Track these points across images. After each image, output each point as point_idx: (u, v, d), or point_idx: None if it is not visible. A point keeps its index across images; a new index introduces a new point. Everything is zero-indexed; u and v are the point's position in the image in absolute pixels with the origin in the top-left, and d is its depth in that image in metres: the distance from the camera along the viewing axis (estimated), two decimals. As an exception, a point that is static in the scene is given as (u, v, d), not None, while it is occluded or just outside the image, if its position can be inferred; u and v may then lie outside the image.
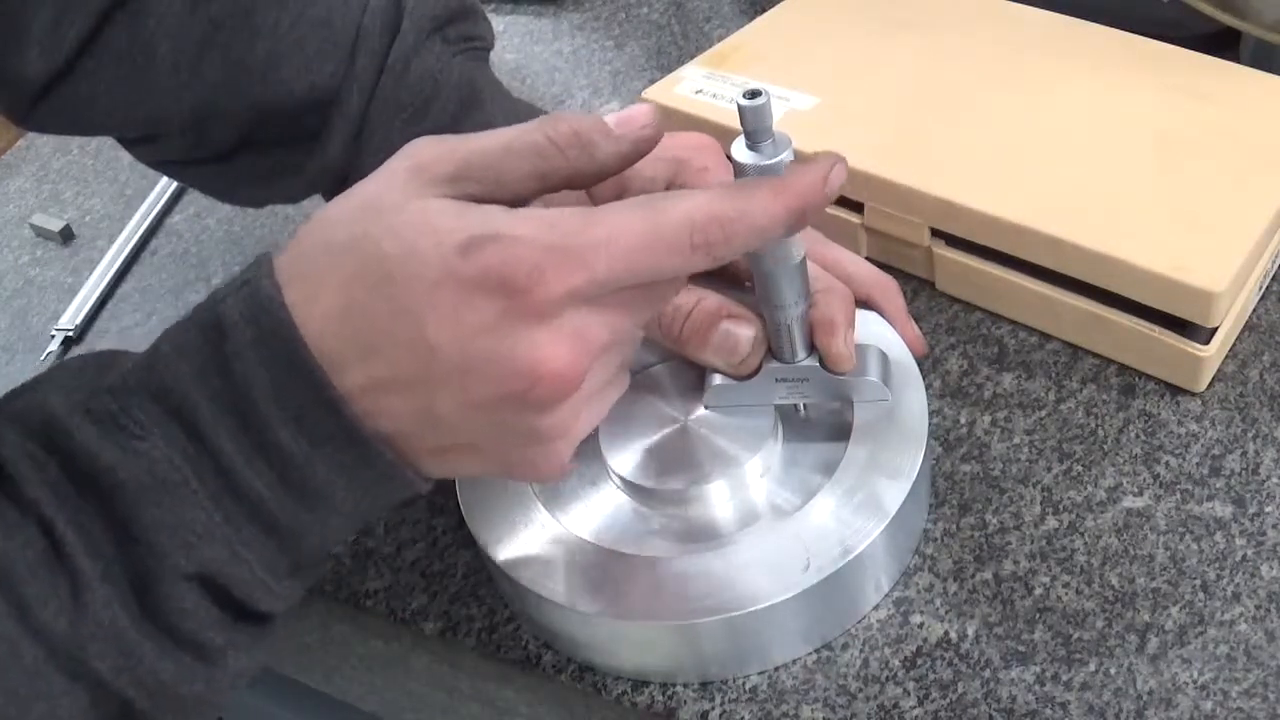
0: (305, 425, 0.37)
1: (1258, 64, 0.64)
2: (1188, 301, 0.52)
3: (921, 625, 0.49)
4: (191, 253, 0.78)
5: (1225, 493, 0.51)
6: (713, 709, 0.48)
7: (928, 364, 0.58)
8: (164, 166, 0.61)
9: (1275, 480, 0.51)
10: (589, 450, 0.50)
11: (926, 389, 0.52)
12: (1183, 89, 0.61)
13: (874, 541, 0.47)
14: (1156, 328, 0.54)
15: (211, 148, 0.56)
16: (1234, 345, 0.56)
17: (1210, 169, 0.57)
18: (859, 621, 0.49)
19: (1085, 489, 0.52)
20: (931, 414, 0.53)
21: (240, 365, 0.36)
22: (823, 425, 0.52)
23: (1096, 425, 0.55)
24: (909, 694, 0.47)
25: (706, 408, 0.51)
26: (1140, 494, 0.52)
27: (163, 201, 0.81)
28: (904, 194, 0.59)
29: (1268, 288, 0.59)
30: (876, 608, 0.50)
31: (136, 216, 0.81)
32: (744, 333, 0.48)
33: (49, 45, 0.52)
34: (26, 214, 0.84)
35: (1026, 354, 0.58)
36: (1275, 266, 0.58)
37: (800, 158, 0.41)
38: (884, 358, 0.50)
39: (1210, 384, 0.55)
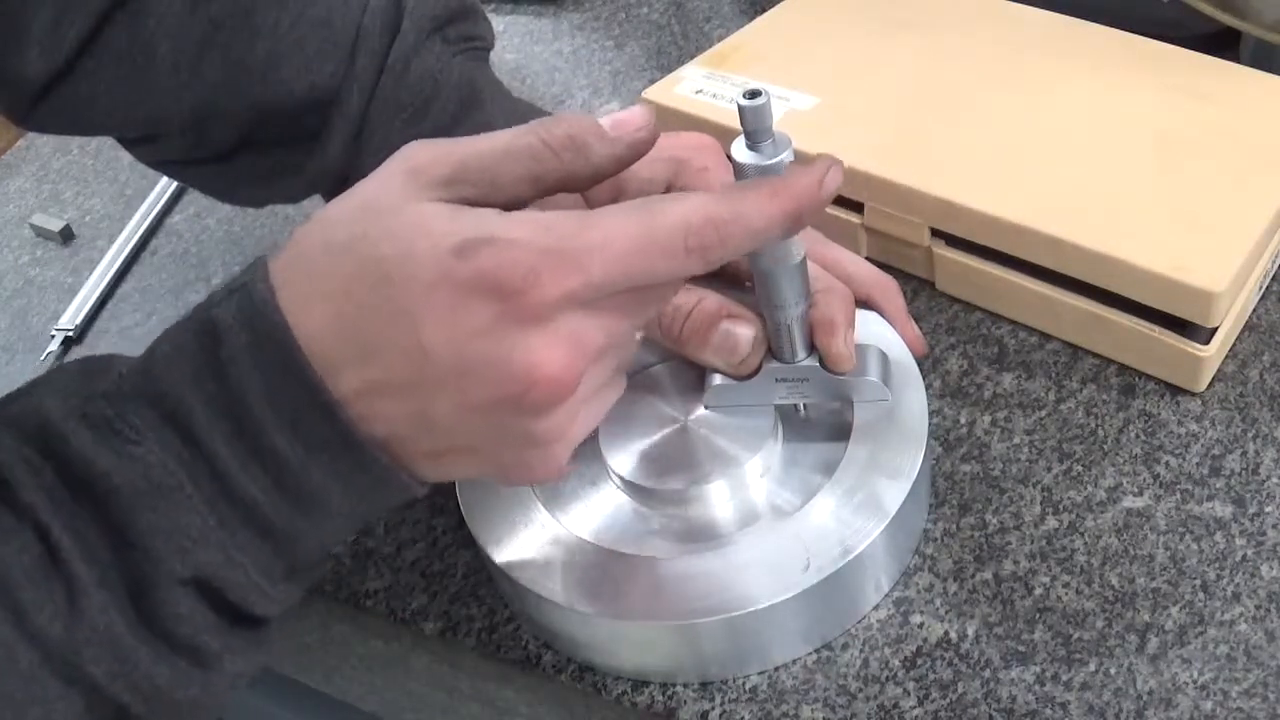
0: (300, 430, 0.37)
1: (1258, 64, 0.64)
2: (1188, 301, 0.52)
3: (921, 625, 0.49)
4: (191, 253, 0.78)
5: (1225, 493, 0.51)
6: (713, 709, 0.48)
7: (928, 364, 0.58)
8: (164, 166, 0.61)
9: (1275, 480, 0.51)
10: (589, 450, 0.49)
11: (926, 389, 0.52)
12: (1183, 89, 0.61)
13: (874, 541, 0.47)
14: (1156, 328, 0.54)
15: (211, 148, 0.56)
16: (1234, 345, 0.56)
17: (1210, 169, 0.57)
18: (859, 621, 0.49)
19: (1085, 489, 0.52)
20: (931, 414, 0.52)
21: (235, 370, 0.36)
22: (823, 425, 0.52)
23: (1096, 425, 0.55)
24: (909, 694, 0.47)
25: (706, 408, 0.51)
26: (1140, 494, 0.52)
27: (163, 201, 0.81)
28: (904, 194, 0.59)
29: (1268, 288, 0.58)
30: (876, 608, 0.50)
31: (136, 216, 0.81)
32: (744, 333, 0.48)
33: (49, 45, 0.52)
34: (26, 214, 0.84)
35: (1026, 354, 0.58)
36: (1275, 266, 0.58)
37: (800, 158, 0.41)
38: (884, 358, 0.50)
39: (1210, 384, 0.55)
